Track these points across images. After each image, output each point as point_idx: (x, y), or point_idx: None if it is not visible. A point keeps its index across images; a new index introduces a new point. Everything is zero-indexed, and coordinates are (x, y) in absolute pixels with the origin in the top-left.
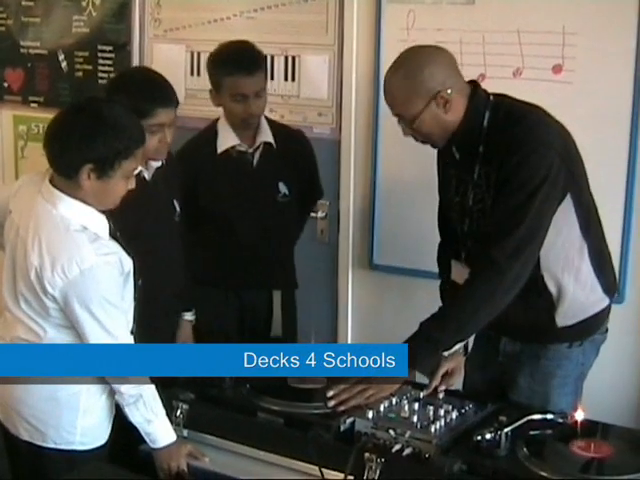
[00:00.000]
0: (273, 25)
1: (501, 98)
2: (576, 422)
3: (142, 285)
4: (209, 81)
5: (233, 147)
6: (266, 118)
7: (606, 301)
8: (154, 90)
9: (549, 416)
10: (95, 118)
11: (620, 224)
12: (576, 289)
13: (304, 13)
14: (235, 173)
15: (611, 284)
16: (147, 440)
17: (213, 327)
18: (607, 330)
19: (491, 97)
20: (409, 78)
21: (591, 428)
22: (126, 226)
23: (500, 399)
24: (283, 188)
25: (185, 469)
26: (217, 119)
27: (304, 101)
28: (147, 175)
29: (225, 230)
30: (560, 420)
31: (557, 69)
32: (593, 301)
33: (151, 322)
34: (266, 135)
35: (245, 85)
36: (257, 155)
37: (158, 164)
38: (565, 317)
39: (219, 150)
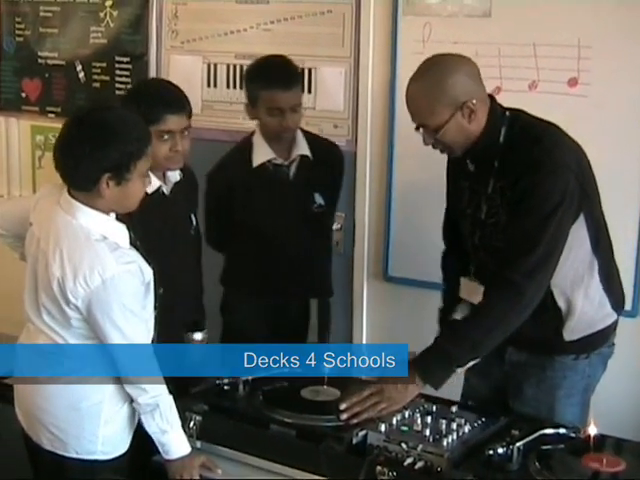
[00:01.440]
0: (289, 37)
1: (517, 113)
2: (588, 436)
3: (163, 294)
4: (245, 94)
5: (269, 160)
6: (302, 130)
7: (614, 316)
8: (163, 96)
9: (561, 430)
10: (101, 127)
11: (634, 237)
12: (585, 304)
13: (320, 25)
14: (271, 185)
15: (619, 299)
16: (161, 450)
17: (248, 335)
18: (614, 344)
19: (507, 112)
20: (435, 87)
21: (603, 443)
22: (144, 241)
23: (503, 408)
24: (319, 199)
25: None
26: (252, 132)
27: (320, 113)
28: (166, 190)
29: (262, 242)
30: (572, 434)
31: (573, 82)
32: (601, 316)
33: (170, 333)
34: (302, 148)
35: (282, 99)
36: (293, 167)
37: (177, 178)
38: (573, 331)
39: (254, 164)
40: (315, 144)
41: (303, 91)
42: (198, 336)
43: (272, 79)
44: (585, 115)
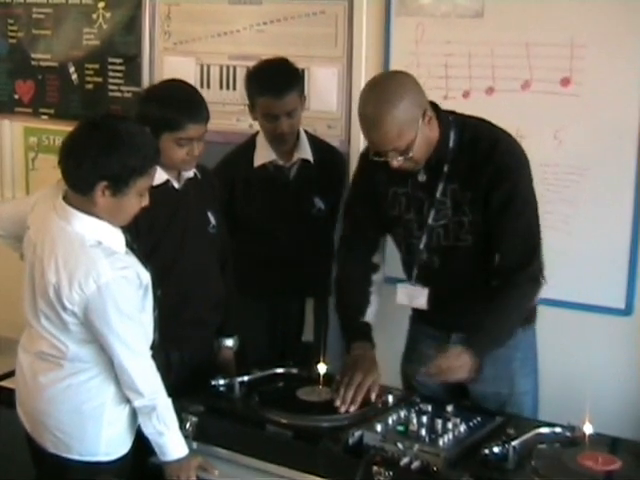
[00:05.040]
0: (282, 38)
1: (460, 117)
2: (584, 435)
3: (163, 295)
4: (246, 96)
5: (270, 162)
6: (306, 133)
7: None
8: (186, 104)
9: (557, 429)
10: (111, 135)
11: (628, 236)
12: None
13: (313, 26)
14: (271, 186)
15: (543, 269)
16: (157, 452)
17: (245, 331)
18: None
19: (450, 117)
20: (396, 111)
21: (599, 441)
22: (152, 232)
23: (461, 396)
24: (319, 203)
25: None
26: (257, 132)
27: (313, 113)
28: (177, 184)
29: (260, 240)
30: (568, 433)
31: (565, 82)
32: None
33: (179, 330)
34: (304, 151)
35: (275, 106)
36: (294, 170)
37: (190, 175)
38: None
39: (255, 164)
40: (318, 148)
41: (302, 95)
42: (229, 342)
43: (266, 87)
44: (578, 115)
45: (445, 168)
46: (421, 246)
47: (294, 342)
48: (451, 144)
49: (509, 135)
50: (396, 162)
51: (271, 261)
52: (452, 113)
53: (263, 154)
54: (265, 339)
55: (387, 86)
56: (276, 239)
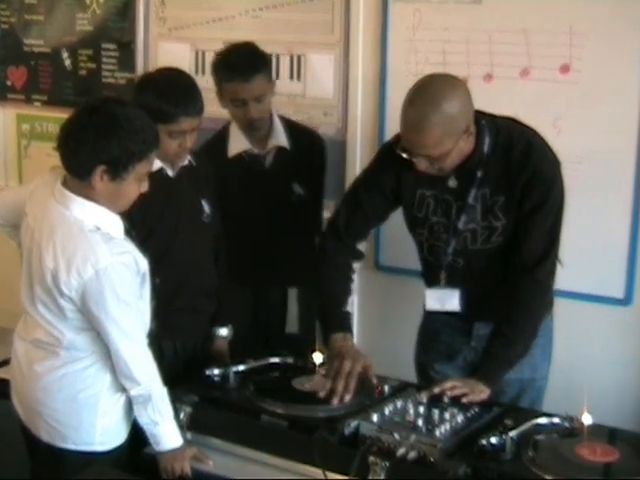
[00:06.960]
0: (279, 24)
1: (491, 118)
2: (582, 426)
3: (160, 283)
4: (214, 84)
5: (245, 151)
6: (281, 118)
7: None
8: (181, 97)
9: (555, 420)
10: (110, 119)
11: (628, 226)
12: None
13: (310, 12)
14: (247, 175)
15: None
16: (152, 442)
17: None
18: None
19: (483, 120)
20: (445, 120)
21: (597, 432)
22: (146, 220)
23: None
24: (297, 189)
25: (189, 472)
26: (229, 122)
27: (310, 100)
28: (171, 173)
29: (239, 229)
30: (566, 424)
31: (564, 69)
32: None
33: (172, 319)
34: (279, 138)
35: (243, 91)
36: (269, 157)
37: (184, 162)
38: None
39: (230, 154)
40: (295, 133)
41: (271, 80)
42: (224, 332)
43: (232, 71)
44: (577, 102)
45: (478, 174)
46: (449, 250)
47: (277, 333)
48: (485, 149)
49: (540, 136)
50: (423, 166)
51: (252, 250)
52: (482, 114)
53: (237, 144)
54: (248, 330)
55: (440, 90)
56: (256, 228)
